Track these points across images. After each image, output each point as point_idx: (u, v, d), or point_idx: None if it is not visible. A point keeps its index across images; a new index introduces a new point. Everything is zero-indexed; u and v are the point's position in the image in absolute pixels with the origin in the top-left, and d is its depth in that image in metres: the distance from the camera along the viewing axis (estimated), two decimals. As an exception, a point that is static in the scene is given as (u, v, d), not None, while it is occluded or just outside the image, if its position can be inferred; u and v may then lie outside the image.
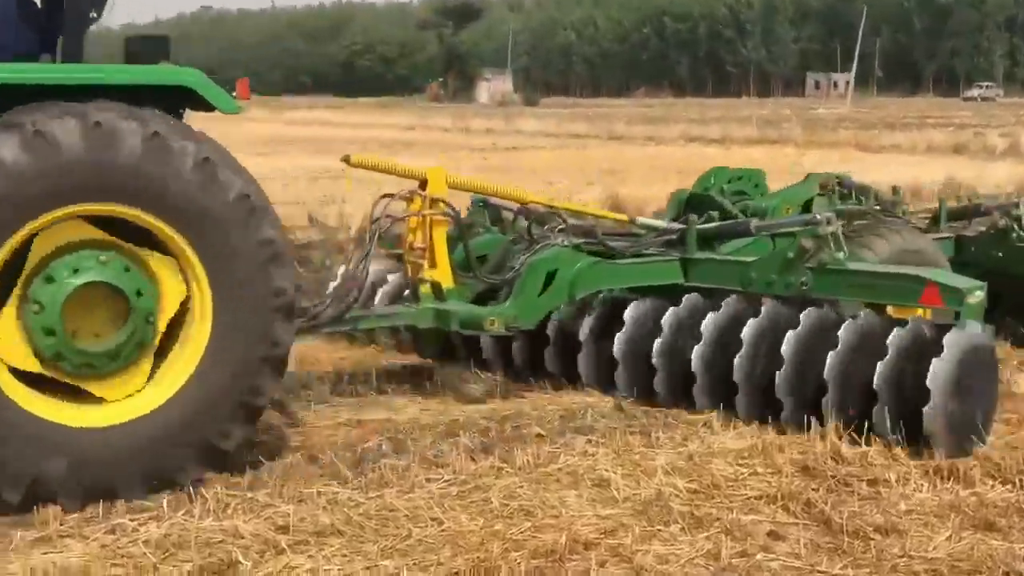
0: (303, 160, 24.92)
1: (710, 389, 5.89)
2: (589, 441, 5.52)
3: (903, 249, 6.83)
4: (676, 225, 6.93)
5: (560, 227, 6.80)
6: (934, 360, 5.28)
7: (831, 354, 5.51)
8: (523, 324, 6.32)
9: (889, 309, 6.10)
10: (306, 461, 5.29)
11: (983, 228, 7.74)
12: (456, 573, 4.12)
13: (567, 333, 6.52)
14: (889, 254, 6.72)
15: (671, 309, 6.12)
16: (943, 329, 5.48)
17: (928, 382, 5.24)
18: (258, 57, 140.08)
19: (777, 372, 5.61)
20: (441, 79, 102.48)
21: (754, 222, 6.91)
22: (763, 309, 5.92)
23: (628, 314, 6.23)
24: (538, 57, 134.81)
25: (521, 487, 4.92)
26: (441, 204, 6.29)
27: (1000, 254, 7.53)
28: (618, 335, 6.22)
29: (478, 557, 4.20)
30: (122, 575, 4.09)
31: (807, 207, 7.65)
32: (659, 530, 4.50)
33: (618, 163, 23.28)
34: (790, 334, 5.65)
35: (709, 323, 5.94)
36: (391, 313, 6.49)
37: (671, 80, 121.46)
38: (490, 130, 39.48)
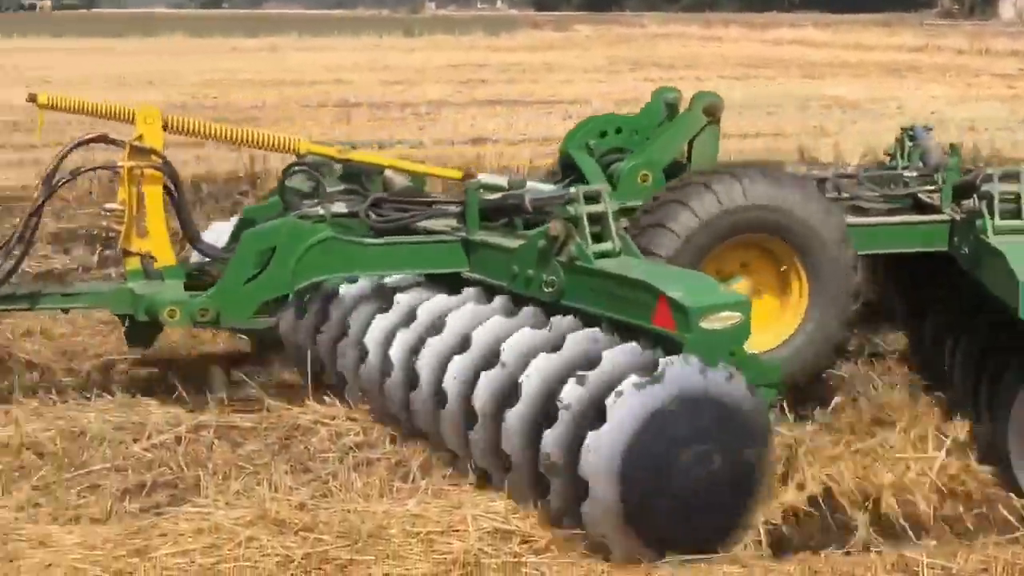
0: (788, 85, 24.76)
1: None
2: None
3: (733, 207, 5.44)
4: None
5: (347, 188, 6.03)
6: (590, 434, 4.13)
7: (509, 412, 4.51)
8: (225, 318, 5.51)
9: None
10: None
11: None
12: None
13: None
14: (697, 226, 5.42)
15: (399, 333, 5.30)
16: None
17: (581, 467, 4.14)
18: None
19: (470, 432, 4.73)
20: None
21: (530, 194, 5.67)
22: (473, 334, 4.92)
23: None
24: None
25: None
26: (154, 156, 5.69)
27: (966, 251, 5.76)
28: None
29: None
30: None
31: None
32: None
33: None
34: (483, 379, 4.69)
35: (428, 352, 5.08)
36: (80, 292, 5.86)
37: None
38: (1017, 52, 37.10)
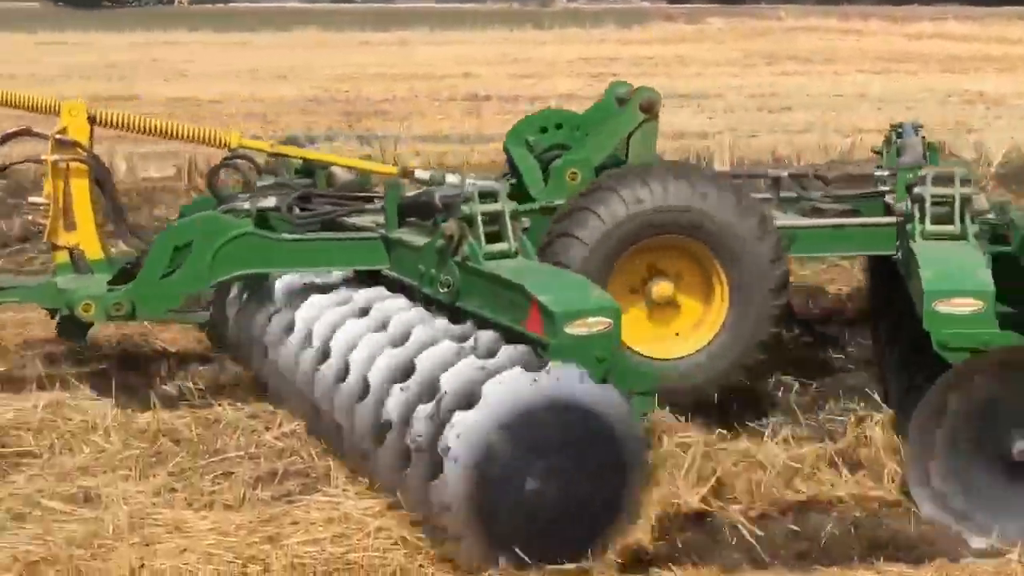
0: (929, 79, 24.24)
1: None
2: None
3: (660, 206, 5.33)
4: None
5: (278, 181, 5.95)
6: (432, 484, 4.10)
7: (380, 450, 4.52)
8: (141, 312, 5.55)
9: None
10: None
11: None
12: None
13: None
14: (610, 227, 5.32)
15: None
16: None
17: (433, 511, 4.11)
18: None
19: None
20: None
21: (439, 191, 5.51)
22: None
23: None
24: None
25: None
26: (78, 149, 5.71)
27: (900, 256, 5.54)
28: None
29: None
30: None
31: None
32: None
33: None
34: (358, 413, 4.70)
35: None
36: (9, 286, 5.95)
37: None
38: None
